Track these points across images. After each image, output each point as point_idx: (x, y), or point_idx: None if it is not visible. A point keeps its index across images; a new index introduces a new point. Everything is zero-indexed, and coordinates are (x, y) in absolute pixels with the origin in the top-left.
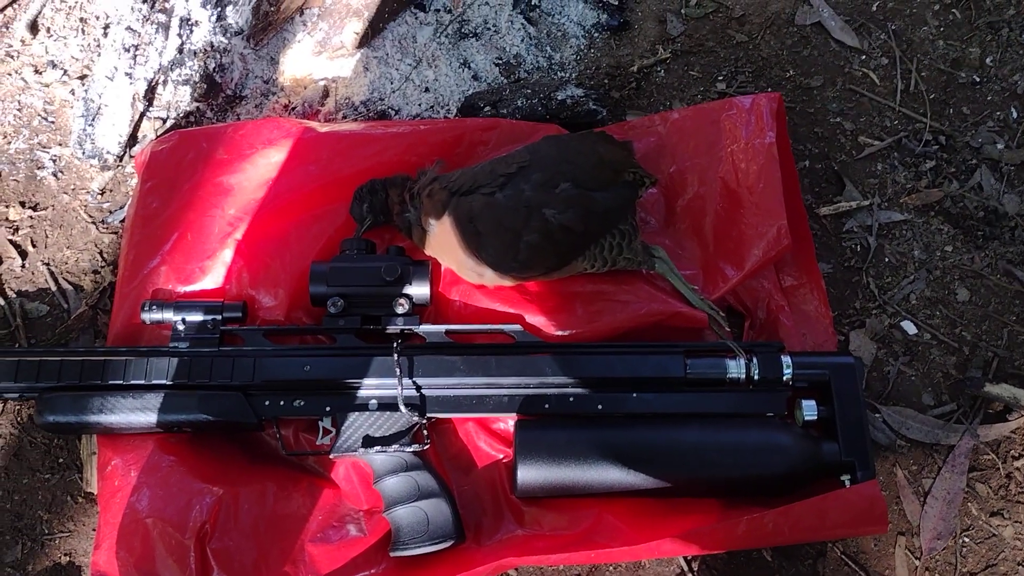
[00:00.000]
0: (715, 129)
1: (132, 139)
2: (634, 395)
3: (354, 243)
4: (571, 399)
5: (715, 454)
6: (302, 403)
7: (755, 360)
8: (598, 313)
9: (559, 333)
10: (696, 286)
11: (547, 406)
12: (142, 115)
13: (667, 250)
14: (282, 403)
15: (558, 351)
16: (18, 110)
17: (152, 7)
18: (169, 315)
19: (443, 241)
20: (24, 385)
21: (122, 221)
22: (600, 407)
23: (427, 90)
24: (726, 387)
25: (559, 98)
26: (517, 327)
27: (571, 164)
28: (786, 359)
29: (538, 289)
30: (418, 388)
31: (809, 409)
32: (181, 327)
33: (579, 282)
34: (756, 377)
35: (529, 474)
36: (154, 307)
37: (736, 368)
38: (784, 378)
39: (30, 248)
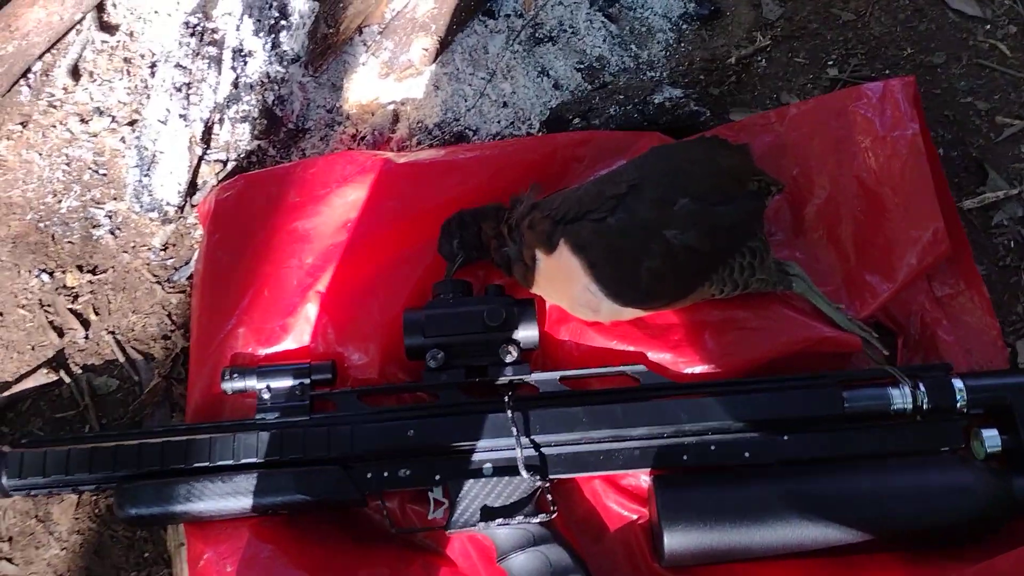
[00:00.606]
0: (843, 122)
1: (192, 187)
2: (785, 438)
3: (448, 285)
4: (713, 447)
5: (891, 502)
6: (408, 473)
7: (921, 386)
8: (732, 345)
9: (689, 371)
10: (841, 304)
11: (686, 457)
12: (200, 159)
13: (800, 264)
14: (386, 474)
15: (692, 392)
16: (66, 165)
17: (201, 40)
18: (252, 382)
19: (551, 277)
20: (101, 476)
21: (189, 278)
22: (747, 455)
23: (505, 105)
24: (891, 420)
25: (656, 101)
26: (640, 367)
27: (687, 176)
28: (957, 382)
29: (660, 322)
30: (537, 447)
31: (991, 439)
32: (267, 395)
33: (706, 310)
34: (925, 406)
35: (677, 540)
36: (235, 375)
37: (901, 397)
38: (957, 405)
39: (92, 316)
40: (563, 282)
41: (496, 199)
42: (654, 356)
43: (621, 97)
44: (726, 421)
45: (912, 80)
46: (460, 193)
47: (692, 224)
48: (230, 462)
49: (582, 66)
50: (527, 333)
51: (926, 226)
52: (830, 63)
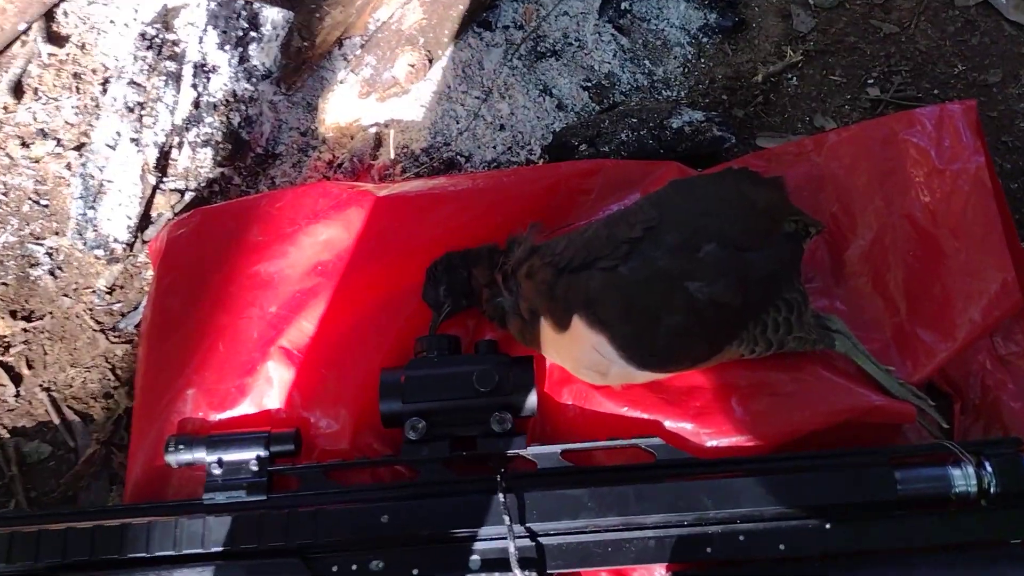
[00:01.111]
0: (892, 153)
1: (144, 221)
2: (827, 526)
3: (432, 341)
4: (742, 538)
5: None
6: (381, 566)
7: (987, 465)
8: (765, 414)
9: (714, 444)
10: (891, 367)
11: (710, 550)
12: (155, 189)
13: (842, 318)
14: (355, 567)
15: (717, 471)
16: (3, 194)
17: (159, 54)
18: (201, 455)
19: (552, 335)
20: (19, 568)
21: (138, 326)
22: (783, 547)
23: (502, 127)
24: (952, 506)
25: (673, 125)
26: (656, 440)
27: (713, 217)
28: None
29: (679, 385)
30: (534, 536)
31: None
32: (217, 471)
33: (734, 372)
34: (992, 489)
35: None
36: (181, 445)
37: (963, 478)
38: None
39: (25, 370)
40: (566, 341)
41: (490, 238)
42: (672, 426)
43: (634, 120)
44: (758, 506)
45: (973, 105)
46: (448, 231)
47: (720, 274)
48: (171, 552)
49: (589, 84)
50: (523, 398)
51: (992, 276)
52: (870, 81)
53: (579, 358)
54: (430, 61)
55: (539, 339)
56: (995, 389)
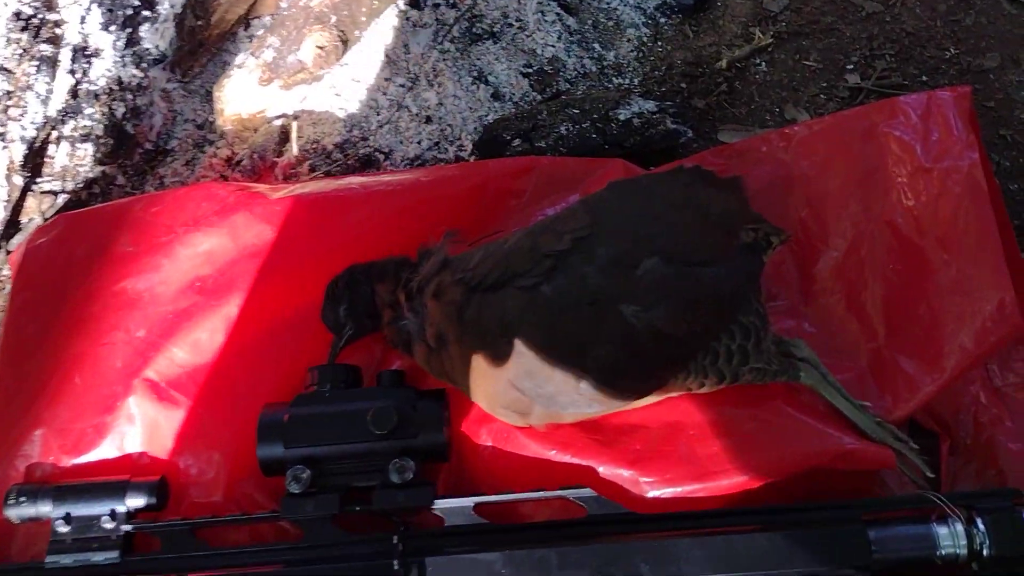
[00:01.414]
0: (871, 148)
1: (11, 228)
2: None
3: (325, 372)
4: None
5: None
6: None
7: (979, 522)
8: (716, 460)
9: (655, 495)
10: (867, 402)
11: None
12: (24, 191)
13: (810, 343)
14: None
15: (658, 528)
16: None
17: (35, 36)
18: (46, 508)
19: (461, 365)
20: None
21: None
22: None
23: (429, 120)
24: (937, 571)
25: (621, 117)
26: (587, 491)
27: (657, 225)
28: None
29: (616, 423)
30: None
31: None
32: (64, 528)
33: (680, 408)
34: (985, 552)
35: None
36: (23, 496)
37: (951, 538)
38: None
39: None
40: (479, 374)
41: (404, 250)
42: (607, 473)
43: (576, 111)
44: (705, 573)
45: (967, 92)
46: (354, 241)
47: (662, 296)
48: None
49: (530, 70)
50: (431, 441)
51: (988, 295)
52: (849, 67)
53: (494, 394)
54: (344, 43)
55: (449, 370)
56: (990, 427)
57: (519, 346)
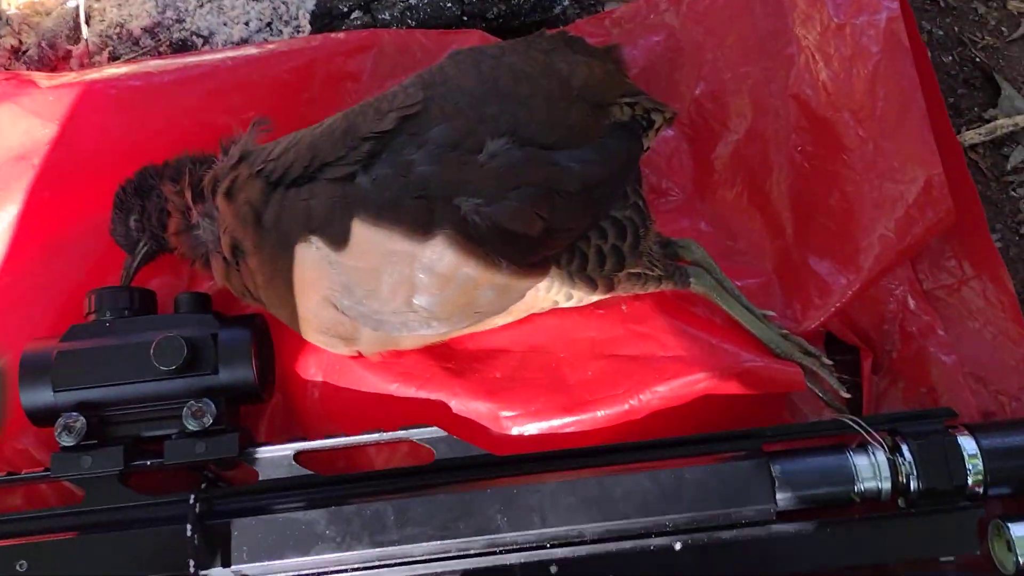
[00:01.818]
0: (771, 5)
1: None
2: (676, 547)
3: (105, 297)
4: (554, 569)
5: None
6: None
7: (906, 450)
8: (590, 386)
9: (519, 432)
10: (771, 311)
11: None
12: None
13: (705, 244)
14: None
15: (520, 471)
16: None
17: None
18: None
19: (264, 281)
20: None
21: None
22: None
23: None
24: (855, 510)
25: None
26: (435, 431)
27: (507, 100)
28: (966, 441)
29: (472, 349)
30: None
31: None
32: None
33: (548, 326)
34: (913, 485)
35: None
36: None
37: (872, 470)
38: (967, 482)
39: None
40: (286, 292)
41: (212, 147)
42: (460, 407)
43: None
44: (575, 523)
45: None
46: (148, 138)
47: (509, 185)
48: None
49: None
50: (237, 378)
51: (912, 175)
52: None
53: (307, 316)
54: None
55: (251, 288)
56: (919, 338)
57: (330, 253)
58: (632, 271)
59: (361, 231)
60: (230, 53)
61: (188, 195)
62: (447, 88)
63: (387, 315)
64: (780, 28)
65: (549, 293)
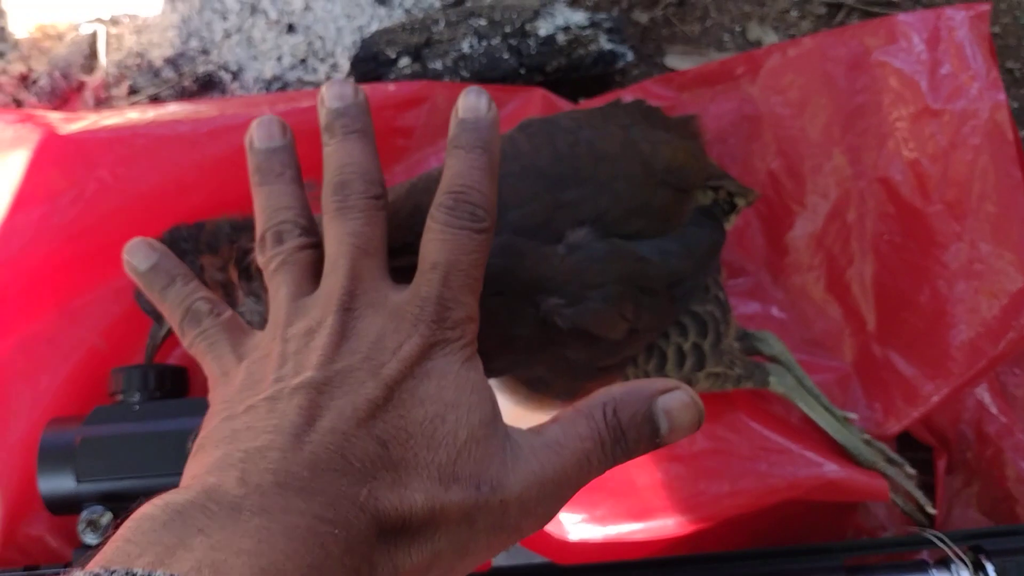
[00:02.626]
0: (860, 82)
1: None
2: None
3: (134, 376)
4: None
5: None
6: None
7: (990, 569)
8: (661, 491)
9: (581, 538)
10: (852, 413)
11: None
12: None
13: (778, 329)
14: None
15: None
16: None
17: None
18: None
19: None
20: None
21: None
22: None
23: (292, 28)
24: None
25: (542, 33)
26: None
27: (587, 184)
28: None
29: None
30: None
31: None
32: None
33: None
34: None
35: None
36: None
37: None
38: None
39: None
40: None
41: (246, 206)
42: None
43: (484, 23)
44: None
45: (987, 10)
46: (180, 193)
47: (590, 282)
48: None
49: None
50: None
51: (1010, 279)
52: None
53: None
54: None
55: None
56: (997, 440)
57: None
58: (712, 371)
59: None
60: (268, 101)
61: (234, 273)
62: (520, 166)
63: None
64: (869, 105)
65: None
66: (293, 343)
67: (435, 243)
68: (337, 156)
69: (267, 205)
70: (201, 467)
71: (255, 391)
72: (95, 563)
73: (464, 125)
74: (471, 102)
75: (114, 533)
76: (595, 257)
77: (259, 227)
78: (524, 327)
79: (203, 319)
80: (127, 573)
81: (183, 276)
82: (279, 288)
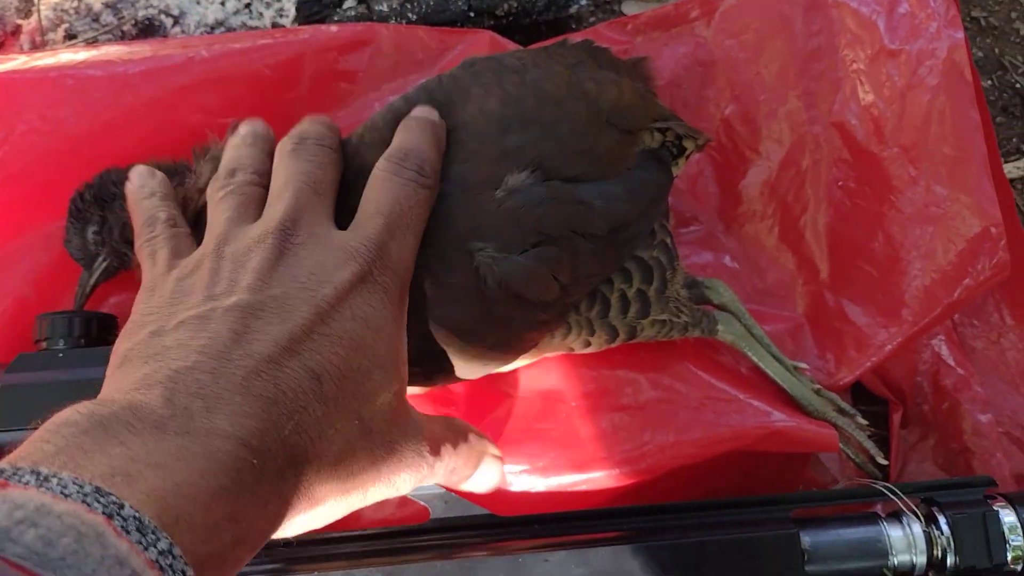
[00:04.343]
0: (816, 23)
1: None
2: None
3: (58, 323)
4: None
5: None
6: None
7: (942, 522)
8: (604, 442)
9: (522, 490)
10: (803, 362)
11: None
12: None
13: (730, 279)
14: None
15: (525, 535)
16: None
17: None
18: None
19: None
20: None
21: None
22: None
23: None
24: None
25: None
26: (430, 486)
27: (531, 126)
28: (1006, 514)
29: (474, 394)
30: None
31: None
32: None
33: (561, 372)
34: (949, 561)
35: None
36: None
37: (905, 543)
38: (1006, 558)
39: None
40: None
41: (183, 150)
42: None
43: None
44: None
45: None
46: (112, 136)
47: (526, 227)
48: None
49: None
50: None
51: (967, 223)
52: None
53: None
54: None
55: None
56: (954, 392)
57: None
58: (658, 318)
59: None
60: (206, 43)
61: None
62: (467, 113)
63: None
64: (825, 48)
65: (565, 340)
66: (228, 261)
67: (380, 191)
68: (297, 128)
69: (231, 156)
70: (127, 381)
71: (185, 305)
72: (6, 460)
73: (418, 113)
74: (424, 111)
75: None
76: (533, 201)
77: (219, 169)
78: (457, 275)
79: (157, 225)
80: (33, 471)
81: (163, 194)
82: (221, 213)
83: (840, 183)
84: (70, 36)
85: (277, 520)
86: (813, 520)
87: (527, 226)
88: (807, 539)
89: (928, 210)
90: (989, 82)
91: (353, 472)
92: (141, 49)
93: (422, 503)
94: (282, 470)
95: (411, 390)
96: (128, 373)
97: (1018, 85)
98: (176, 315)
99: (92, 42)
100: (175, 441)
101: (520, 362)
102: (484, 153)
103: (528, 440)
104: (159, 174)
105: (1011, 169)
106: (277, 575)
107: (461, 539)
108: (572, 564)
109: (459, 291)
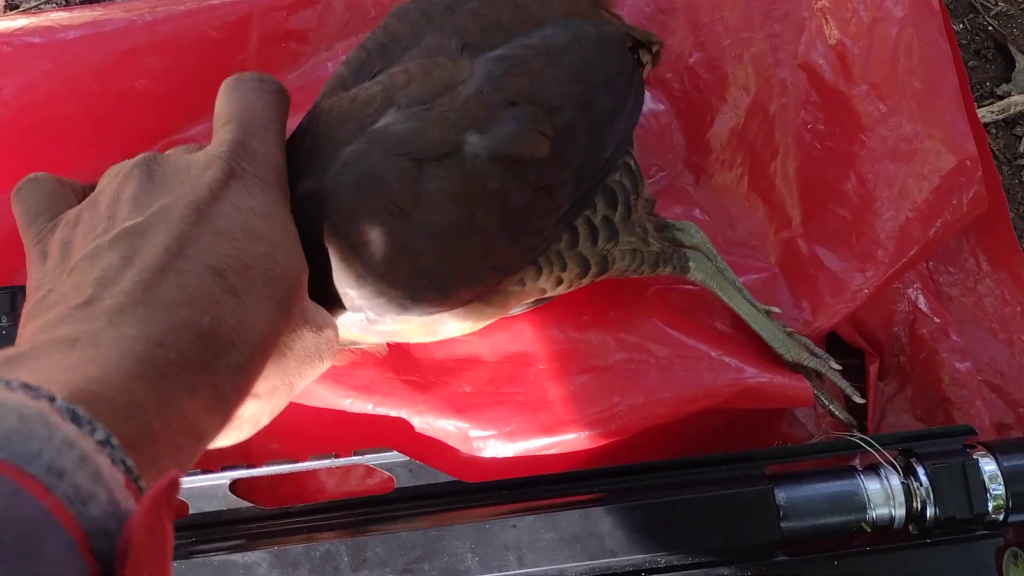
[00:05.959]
0: None
1: None
2: None
3: (6, 297)
4: None
5: None
6: None
7: (921, 473)
8: (573, 403)
9: (490, 455)
10: (776, 307)
11: None
12: None
13: (702, 228)
14: None
15: (493, 501)
16: None
17: None
18: None
19: None
20: None
21: None
22: None
23: None
24: (866, 539)
25: None
26: (395, 455)
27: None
28: (987, 463)
29: (439, 357)
30: None
31: None
32: None
33: (527, 335)
34: (929, 513)
35: None
36: None
37: (884, 496)
38: (987, 509)
39: None
40: None
41: (128, 120)
42: (424, 426)
43: None
44: (556, 560)
45: None
46: (52, 105)
47: (500, 102)
48: None
49: None
50: None
51: (941, 159)
52: None
53: None
54: None
55: None
56: (931, 341)
57: None
58: (629, 247)
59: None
60: (149, 6)
61: None
62: (421, 48)
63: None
64: None
65: (537, 282)
66: (104, 204)
67: (226, 102)
68: None
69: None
70: (30, 331)
71: (73, 257)
72: None
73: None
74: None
75: None
76: (519, 57)
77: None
78: (443, 173)
79: (43, 229)
80: None
81: (46, 207)
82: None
83: (809, 126)
84: (11, 7)
85: (214, 411)
86: (788, 476)
87: (494, 100)
88: (782, 495)
89: (900, 147)
90: (961, 26)
91: (283, 352)
92: (82, 15)
93: (386, 473)
94: (207, 361)
95: (377, 348)
96: (29, 326)
97: (990, 27)
98: (64, 266)
99: (33, 11)
100: (85, 352)
101: (487, 316)
102: (447, 15)
103: (495, 405)
104: (44, 183)
105: (985, 113)
106: (238, 551)
107: (427, 508)
108: (541, 528)
109: (445, 185)
